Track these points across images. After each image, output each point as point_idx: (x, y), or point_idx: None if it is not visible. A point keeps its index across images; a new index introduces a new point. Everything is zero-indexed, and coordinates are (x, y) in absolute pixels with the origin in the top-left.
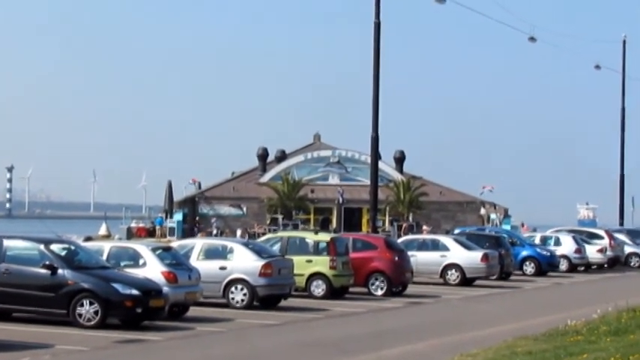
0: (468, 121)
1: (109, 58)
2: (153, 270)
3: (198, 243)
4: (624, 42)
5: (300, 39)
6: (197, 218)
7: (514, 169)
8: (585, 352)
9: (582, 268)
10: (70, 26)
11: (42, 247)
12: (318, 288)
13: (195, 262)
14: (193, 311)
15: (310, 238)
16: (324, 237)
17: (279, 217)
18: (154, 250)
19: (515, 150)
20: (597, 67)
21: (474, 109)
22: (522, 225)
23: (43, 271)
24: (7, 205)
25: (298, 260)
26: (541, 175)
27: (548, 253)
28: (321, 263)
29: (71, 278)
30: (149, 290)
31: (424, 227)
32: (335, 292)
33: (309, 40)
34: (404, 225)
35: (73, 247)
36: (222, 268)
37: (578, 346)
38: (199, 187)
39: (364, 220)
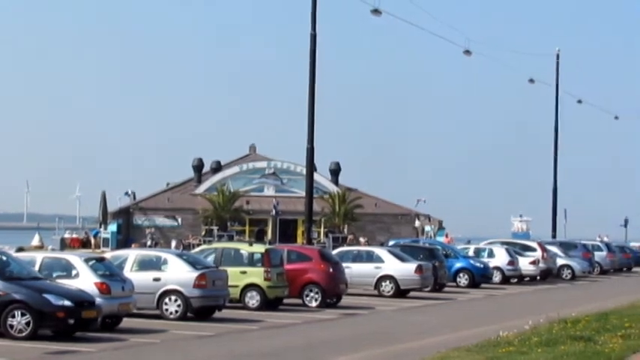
0: (404, 133)
1: (41, 66)
2: (86, 281)
3: (132, 254)
4: (557, 56)
5: (235, 49)
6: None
7: (449, 181)
8: None
9: (515, 280)
10: None
11: None
12: (253, 299)
13: (129, 273)
14: (127, 322)
15: (245, 249)
16: (259, 248)
17: (214, 228)
18: (86, 260)
19: (450, 162)
20: (531, 80)
21: (409, 121)
22: (447, 236)
23: None
24: None
25: (233, 271)
26: (476, 187)
27: (482, 265)
28: (256, 274)
29: (2, 289)
30: (82, 301)
31: (360, 239)
32: (269, 304)
33: (244, 50)
34: (349, 237)
35: (4, 258)
36: (156, 280)
37: (510, 356)
38: (134, 197)
39: (299, 232)
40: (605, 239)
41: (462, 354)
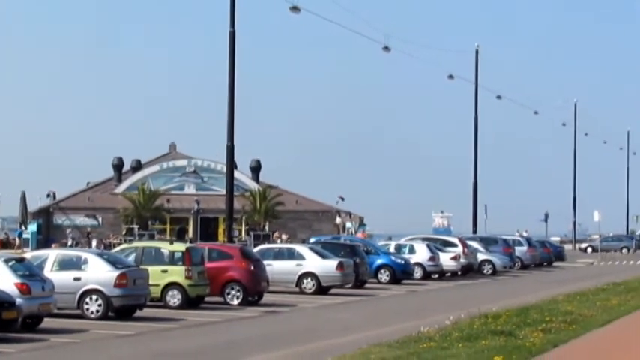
0: (325, 130)
1: None
2: (5, 281)
3: (52, 254)
4: (477, 52)
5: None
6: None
7: (371, 178)
8: (438, 358)
9: (436, 276)
10: None
11: None
12: (174, 298)
13: (50, 273)
14: (47, 322)
15: (165, 248)
16: (180, 247)
17: (135, 227)
18: (6, 261)
19: (372, 159)
20: (450, 76)
21: (330, 118)
22: (363, 232)
23: None
24: None
25: (154, 270)
26: (398, 183)
27: (403, 261)
28: (177, 273)
29: None
30: (1, 302)
31: (283, 236)
32: (191, 302)
33: (165, 47)
34: (274, 234)
35: None
36: (77, 279)
37: (431, 352)
38: (54, 197)
39: (220, 230)
40: (525, 234)
41: (383, 350)
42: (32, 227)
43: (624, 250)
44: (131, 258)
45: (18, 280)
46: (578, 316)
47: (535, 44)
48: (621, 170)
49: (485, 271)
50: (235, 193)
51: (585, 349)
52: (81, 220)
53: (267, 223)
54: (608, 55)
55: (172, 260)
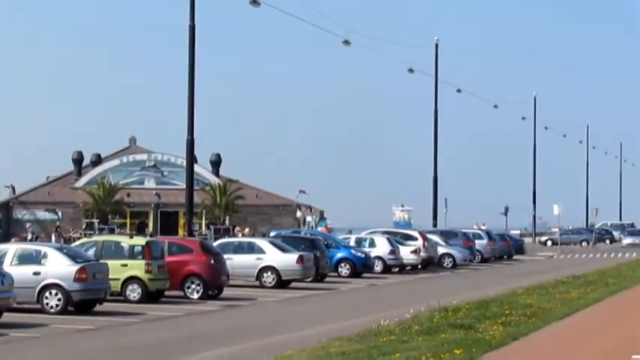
0: (285, 123)
1: None
2: None
3: (12, 248)
4: (437, 45)
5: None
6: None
7: (331, 171)
8: (398, 351)
9: (397, 269)
10: None
11: None
12: (134, 292)
13: (9, 267)
14: (7, 317)
15: (125, 242)
16: (140, 241)
17: (95, 221)
18: None
19: (332, 153)
20: (410, 70)
21: (290, 112)
22: (326, 227)
23: None
24: None
25: (113, 264)
26: (358, 177)
27: (363, 255)
28: (137, 267)
29: None
30: None
31: (246, 230)
32: (151, 296)
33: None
34: (236, 229)
35: None
36: (36, 274)
37: (391, 345)
38: (13, 191)
39: (181, 224)
40: (483, 227)
41: (343, 343)
42: None
43: (584, 244)
44: (91, 252)
45: None
46: (537, 309)
47: (495, 38)
48: (581, 164)
49: (445, 264)
50: (195, 187)
51: (545, 342)
52: (41, 214)
53: (227, 217)
54: (568, 50)
55: (132, 254)
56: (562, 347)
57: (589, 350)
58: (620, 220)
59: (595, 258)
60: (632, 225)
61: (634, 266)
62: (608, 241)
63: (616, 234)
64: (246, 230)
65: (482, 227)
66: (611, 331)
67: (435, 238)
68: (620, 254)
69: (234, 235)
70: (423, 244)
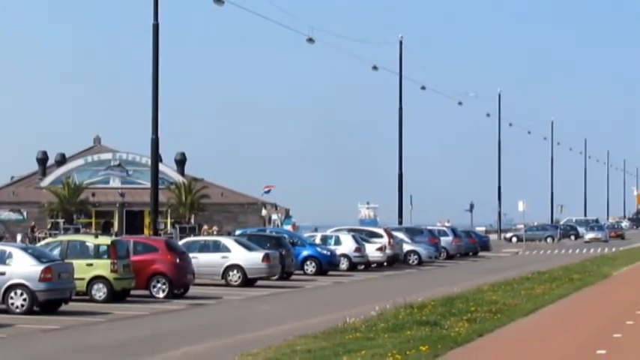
0: (250, 122)
1: None
2: None
3: None
4: (401, 43)
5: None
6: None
7: (296, 170)
8: (364, 348)
9: (362, 267)
10: None
11: None
12: (100, 291)
13: None
14: None
15: (91, 241)
16: (105, 240)
17: (60, 221)
18: None
19: (298, 151)
20: (375, 67)
21: (255, 110)
22: (293, 225)
23: None
24: None
25: (79, 264)
26: (324, 175)
27: (329, 253)
28: (102, 267)
29: None
30: None
31: (214, 228)
32: (116, 296)
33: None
34: (203, 227)
35: None
36: (1, 274)
37: (356, 343)
38: None
39: (146, 223)
40: (447, 225)
41: (309, 341)
42: None
43: (549, 240)
44: (56, 252)
45: None
46: (503, 305)
47: (459, 35)
48: (545, 160)
49: (410, 261)
50: (160, 186)
51: (510, 338)
52: (5, 214)
53: (192, 216)
54: (532, 46)
55: (97, 254)
56: (527, 343)
57: (554, 346)
58: (585, 216)
59: (560, 254)
60: (597, 221)
61: (599, 262)
62: (572, 237)
63: (581, 230)
64: (214, 229)
65: (447, 224)
66: (576, 326)
67: (400, 235)
68: (584, 250)
69: (202, 234)
70: (389, 242)
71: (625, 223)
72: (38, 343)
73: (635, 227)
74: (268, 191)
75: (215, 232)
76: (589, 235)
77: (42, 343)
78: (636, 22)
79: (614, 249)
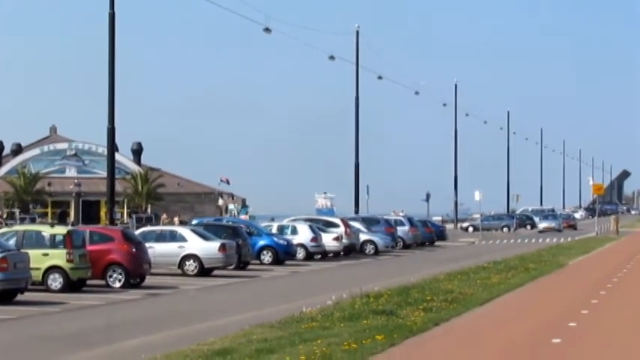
0: (207, 112)
1: None
2: None
3: None
4: (357, 33)
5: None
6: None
7: (253, 159)
8: (320, 337)
9: (319, 257)
10: None
11: None
12: (55, 281)
13: None
14: None
15: (46, 231)
16: (61, 230)
17: (17, 210)
18: None
19: (254, 140)
20: (331, 57)
21: (212, 100)
22: (245, 214)
23: None
24: None
25: (34, 254)
26: (280, 165)
27: (285, 242)
28: (58, 256)
29: None
30: None
31: (175, 219)
32: (72, 285)
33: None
34: (162, 217)
35: None
36: None
37: (313, 332)
38: None
39: (102, 213)
40: (401, 214)
41: (265, 330)
42: None
43: (505, 229)
44: (12, 242)
45: None
46: (459, 294)
47: (416, 25)
48: (502, 150)
49: (367, 251)
50: (117, 176)
51: (466, 327)
52: None
53: (149, 206)
54: (489, 36)
55: (53, 244)
56: (483, 332)
57: (510, 335)
58: (541, 205)
59: (516, 243)
60: (553, 210)
61: (554, 251)
62: (529, 227)
63: (537, 219)
64: (176, 219)
65: (401, 214)
66: (531, 315)
67: (357, 225)
68: (540, 239)
69: (162, 224)
70: (345, 231)
71: (581, 213)
72: None
73: (591, 217)
74: (225, 182)
75: (177, 222)
76: (543, 225)
77: None
78: (593, 10)
79: (569, 238)
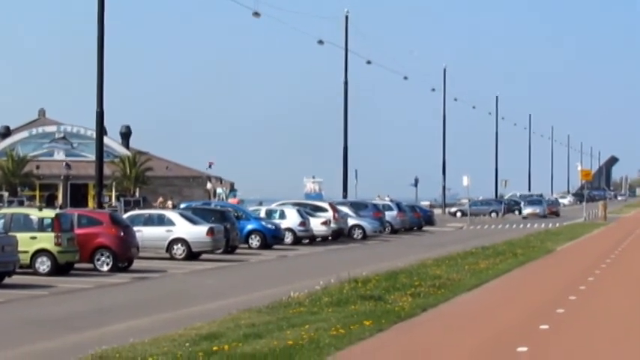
0: (195, 96)
1: None
2: None
3: None
4: (346, 17)
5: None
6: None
7: (242, 143)
8: (307, 323)
9: (307, 241)
10: None
11: None
12: (43, 265)
13: None
14: None
15: (34, 214)
16: (49, 213)
17: (4, 193)
18: None
19: (243, 125)
20: (320, 42)
21: (200, 84)
22: (234, 197)
23: None
24: None
25: (22, 237)
26: (269, 149)
27: (273, 227)
28: (46, 240)
29: None
30: None
31: (168, 202)
32: (60, 269)
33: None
34: (159, 200)
35: None
36: None
37: (300, 317)
38: None
39: (90, 196)
40: (386, 199)
41: (252, 315)
42: None
43: (493, 214)
44: None
45: None
46: (446, 280)
47: (405, 10)
48: (490, 135)
49: (355, 235)
50: (105, 159)
51: (454, 313)
52: None
53: (137, 189)
54: (477, 21)
55: (41, 227)
56: (470, 318)
57: (497, 321)
58: (529, 191)
59: (504, 229)
60: (541, 196)
61: (542, 237)
62: (517, 212)
63: (522, 205)
64: (169, 203)
65: (386, 199)
66: (519, 301)
67: (345, 209)
68: (528, 225)
69: (158, 206)
70: (333, 216)
71: (569, 199)
72: None
73: (579, 202)
74: (210, 166)
75: (170, 206)
76: (527, 211)
77: None
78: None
79: (557, 224)
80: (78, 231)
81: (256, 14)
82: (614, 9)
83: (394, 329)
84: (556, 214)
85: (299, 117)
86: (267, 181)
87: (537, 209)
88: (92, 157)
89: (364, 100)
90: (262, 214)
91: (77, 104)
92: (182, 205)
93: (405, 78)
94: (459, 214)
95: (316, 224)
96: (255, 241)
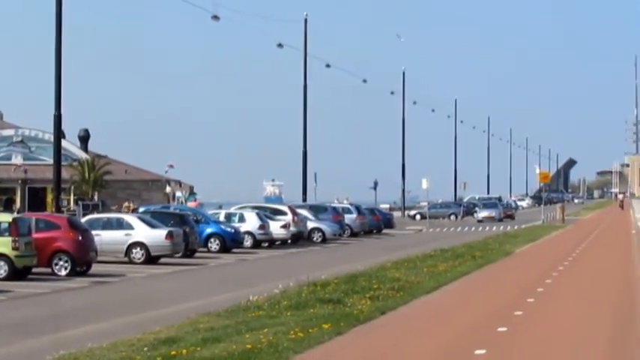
0: (155, 99)
1: None
2: None
3: None
4: (306, 20)
5: None
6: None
7: (201, 147)
8: (266, 326)
9: (266, 244)
10: None
11: None
12: (0, 269)
13: None
14: None
15: None
16: (6, 217)
17: None
18: None
19: (202, 128)
20: (280, 45)
21: (160, 86)
22: (194, 201)
23: None
24: None
25: None
26: (229, 152)
27: (233, 230)
28: (3, 244)
29: None
30: None
31: (131, 205)
32: (18, 273)
33: None
34: (124, 205)
35: None
36: None
37: (259, 321)
38: None
39: (49, 200)
40: (345, 202)
41: (211, 319)
42: None
43: (452, 217)
44: None
45: None
46: (405, 283)
47: (365, 13)
48: (449, 138)
49: (315, 239)
50: (63, 163)
51: (413, 315)
52: None
53: (96, 193)
54: (436, 25)
55: None
56: (429, 321)
57: (456, 323)
58: (488, 193)
59: (463, 231)
60: (500, 199)
61: (501, 240)
62: (475, 215)
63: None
64: (131, 206)
65: (345, 202)
66: (478, 304)
67: (304, 212)
68: (487, 228)
69: (123, 211)
70: (293, 219)
71: (527, 201)
72: None
73: (537, 205)
74: (170, 167)
75: (131, 209)
76: (482, 214)
77: None
78: (539, 1)
79: (515, 227)
80: (36, 235)
81: (215, 17)
82: (572, 10)
83: (353, 332)
84: (511, 217)
85: (259, 120)
86: (226, 185)
87: (493, 212)
88: (50, 160)
89: (324, 103)
90: (222, 218)
91: (35, 107)
92: (141, 209)
93: (364, 81)
94: (418, 216)
95: (276, 228)
96: (214, 244)
